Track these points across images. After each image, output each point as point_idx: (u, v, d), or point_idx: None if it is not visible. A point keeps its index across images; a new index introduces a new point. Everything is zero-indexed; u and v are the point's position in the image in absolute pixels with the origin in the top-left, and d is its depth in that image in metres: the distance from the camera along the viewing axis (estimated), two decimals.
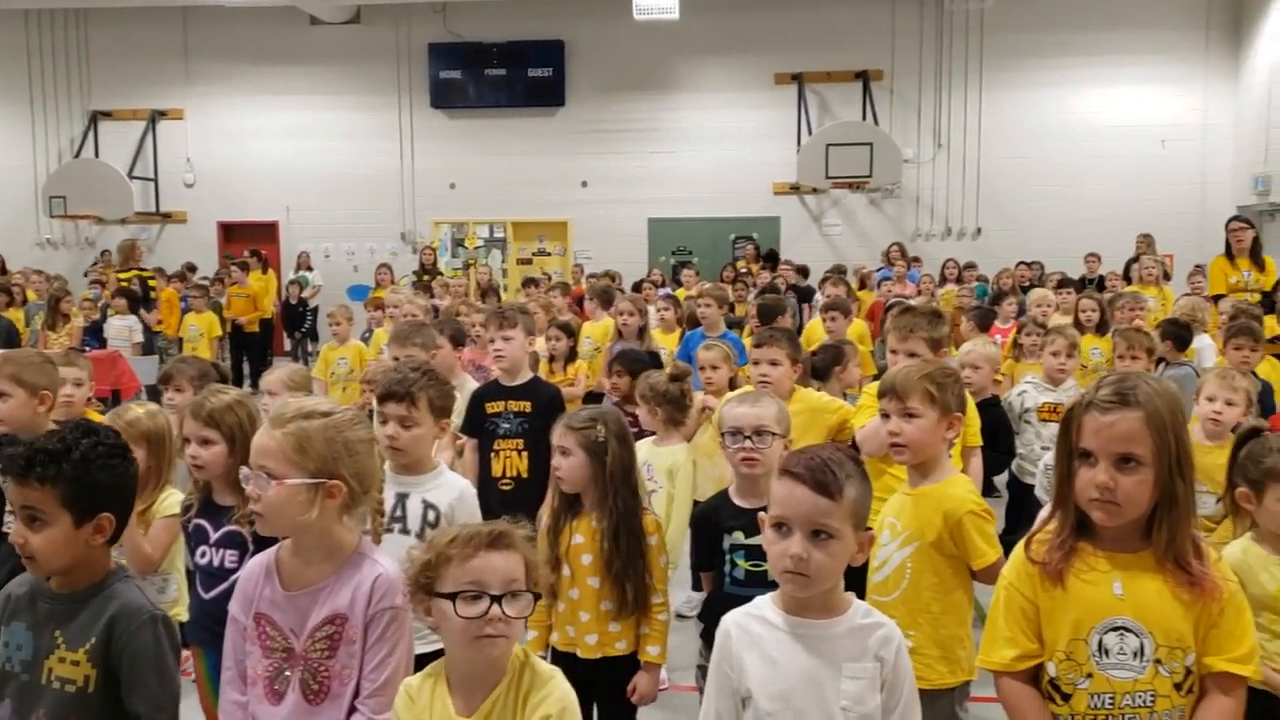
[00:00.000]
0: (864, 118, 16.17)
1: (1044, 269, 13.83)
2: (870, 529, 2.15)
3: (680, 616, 5.18)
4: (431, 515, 3.11)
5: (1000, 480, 6.53)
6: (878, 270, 14.49)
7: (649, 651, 3.16)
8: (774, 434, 3.23)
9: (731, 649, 2.14)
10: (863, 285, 13.26)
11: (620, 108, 17.27)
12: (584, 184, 17.45)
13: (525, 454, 4.38)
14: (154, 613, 2.33)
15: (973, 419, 4.39)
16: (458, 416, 4.64)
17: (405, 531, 3.09)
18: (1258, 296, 8.93)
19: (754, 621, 2.15)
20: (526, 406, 4.44)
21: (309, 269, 16.65)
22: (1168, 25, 16.13)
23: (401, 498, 3.14)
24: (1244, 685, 2.12)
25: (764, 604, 2.17)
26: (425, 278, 14.22)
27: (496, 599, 2.07)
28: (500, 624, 2.07)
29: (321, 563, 2.36)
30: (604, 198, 17.27)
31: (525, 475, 4.38)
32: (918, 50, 16.66)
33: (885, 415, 3.03)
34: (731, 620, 2.18)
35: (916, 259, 14.99)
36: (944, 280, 13.61)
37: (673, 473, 4.48)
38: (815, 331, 8.17)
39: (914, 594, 2.89)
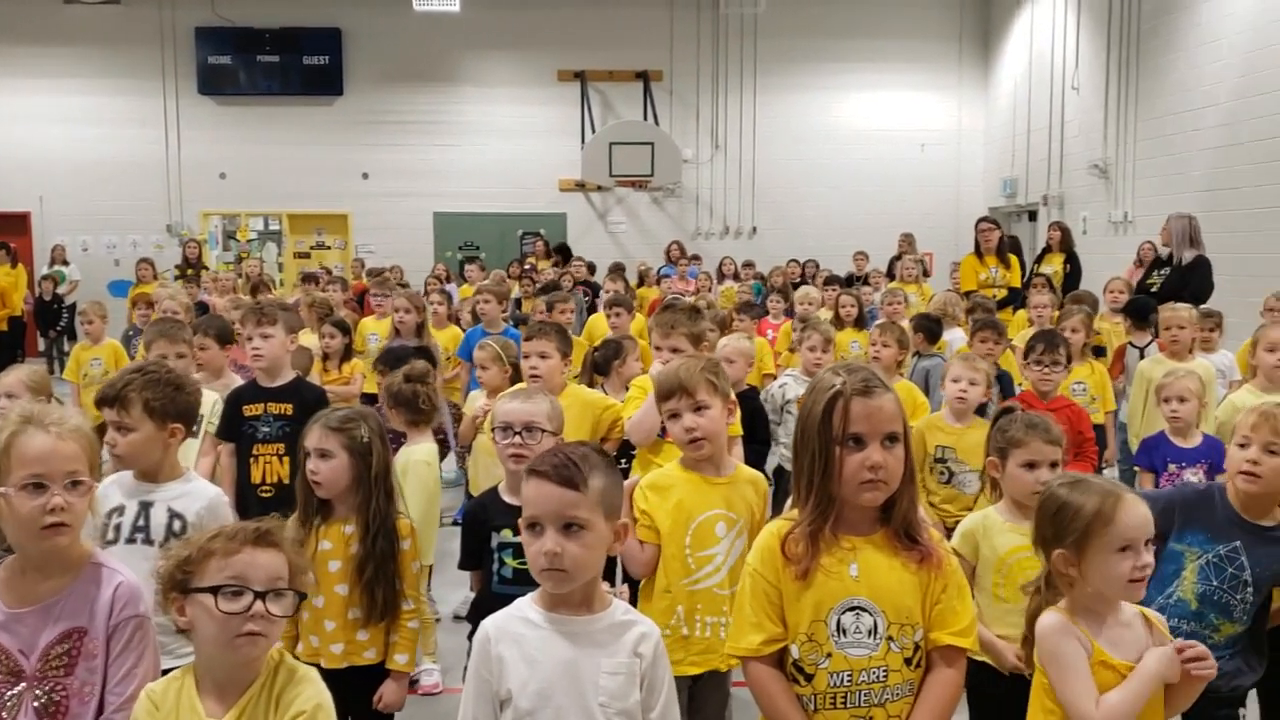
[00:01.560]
0: (645, 117, 16.43)
1: (818, 266, 14.44)
2: (625, 520, 2.17)
3: (458, 618, 5.13)
4: (177, 525, 2.94)
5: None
6: (662, 267, 14.81)
7: (397, 660, 3.09)
8: (545, 430, 3.24)
9: (490, 651, 2.12)
10: (641, 282, 13.50)
11: (402, 99, 16.93)
12: (365, 176, 17.04)
13: (287, 459, 4.20)
14: None
15: (735, 410, 4.57)
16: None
17: (149, 542, 2.91)
18: (1004, 292, 9.63)
19: (515, 621, 2.14)
20: (288, 409, 4.27)
21: (65, 263, 15.58)
22: (925, 36, 17.14)
23: (145, 506, 2.96)
24: (964, 656, 2.27)
25: (524, 604, 2.17)
26: (190, 271, 13.52)
27: (260, 595, 2.02)
28: (262, 622, 2.02)
29: (59, 575, 2.25)
30: (386, 190, 16.90)
31: (287, 481, 4.21)
32: (695, 52, 17.07)
33: (675, 415, 3.06)
34: (491, 622, 2.17)
35: (696, 256, 15.38)
36: (723, 277, 14.02)
37: (405, 471, 4.43)
38: (599, 327, 8.24)
39: None
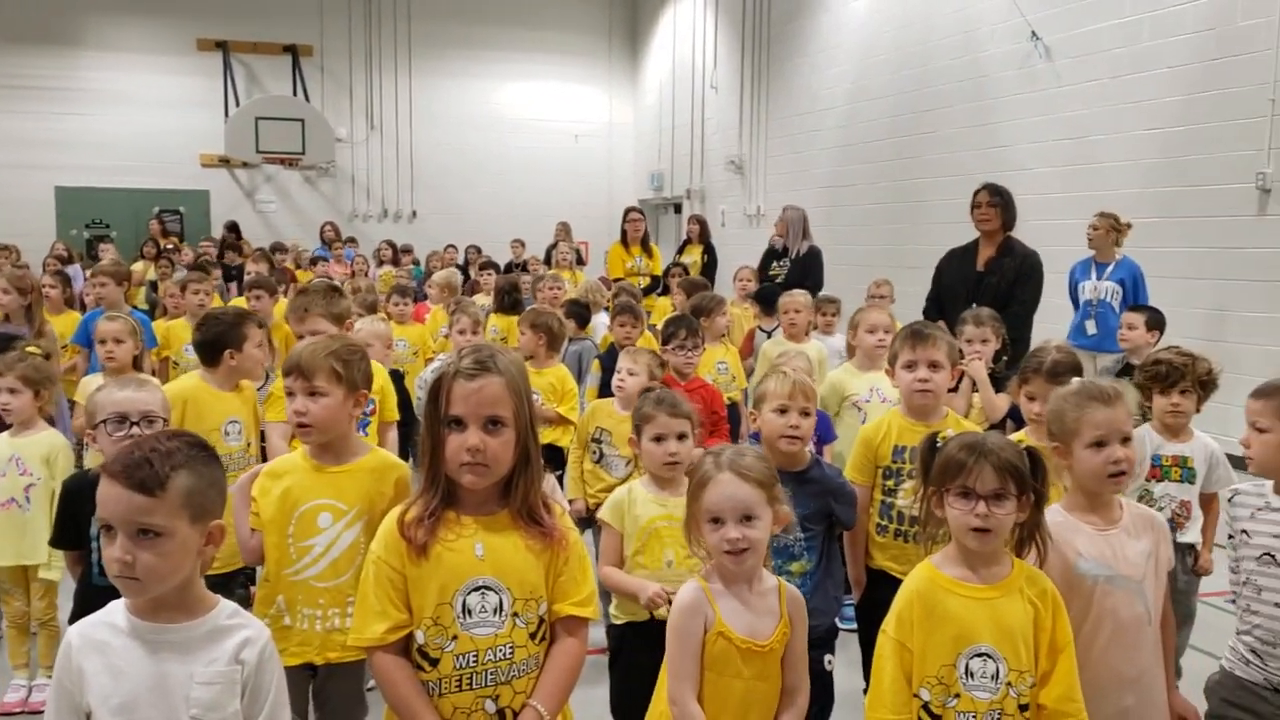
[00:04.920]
0: (295, 93, 15.85)
1: (479, 252, 14.48)
2: (220, 522, 2.04)
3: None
4: None
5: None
6: (315, 249, 14.32)
7: None
8: (163, 419, 3.15)
9: (72, 660, 1.95)
10: (298, 265, 12.99)
11: (17, 61, 15.37)
12: None
13: None
14: None
15: (390, 394, 4.50)
16: None
17: None
18: (648, 280, 10.09)
19: (101, 629, 1.97)
20: None
21: None
22: (577, 29, 17.60)
23: None
24: (586, 626, 2.34)
25: (115, 608, 2.00)
26: None
27: None
28: None
29: None
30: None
31: None
32: (347, 29, 16.61)
33: (290, 394, 2.95)
34: (76, 629, 2.00)
35: (352, 239, 14.99)
36: (381, 262, 13.74)
37: (50, 460, 4.06)
38: None
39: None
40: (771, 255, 9.43)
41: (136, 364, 5.18)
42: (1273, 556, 2.76)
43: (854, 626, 3.87)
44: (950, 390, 4.15)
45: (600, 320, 7.67)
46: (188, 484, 1.94)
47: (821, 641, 3.22)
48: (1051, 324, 6.86)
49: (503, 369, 2.24)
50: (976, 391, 4.81)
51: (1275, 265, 7.63)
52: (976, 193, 6.45)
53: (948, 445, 2.41)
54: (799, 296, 6.44)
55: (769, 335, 7.42)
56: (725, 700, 2.39)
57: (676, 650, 2.40)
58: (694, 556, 2.59)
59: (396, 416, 4.57)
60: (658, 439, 3.27)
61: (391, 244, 14.33)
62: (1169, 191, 8.34)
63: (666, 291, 9.63)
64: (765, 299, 7.79)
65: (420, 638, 2.22)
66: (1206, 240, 8.07)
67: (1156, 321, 5.71)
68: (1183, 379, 3.85)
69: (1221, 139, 7.93)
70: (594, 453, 4.55)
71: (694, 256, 10.32)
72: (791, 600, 2.49)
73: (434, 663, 2.21)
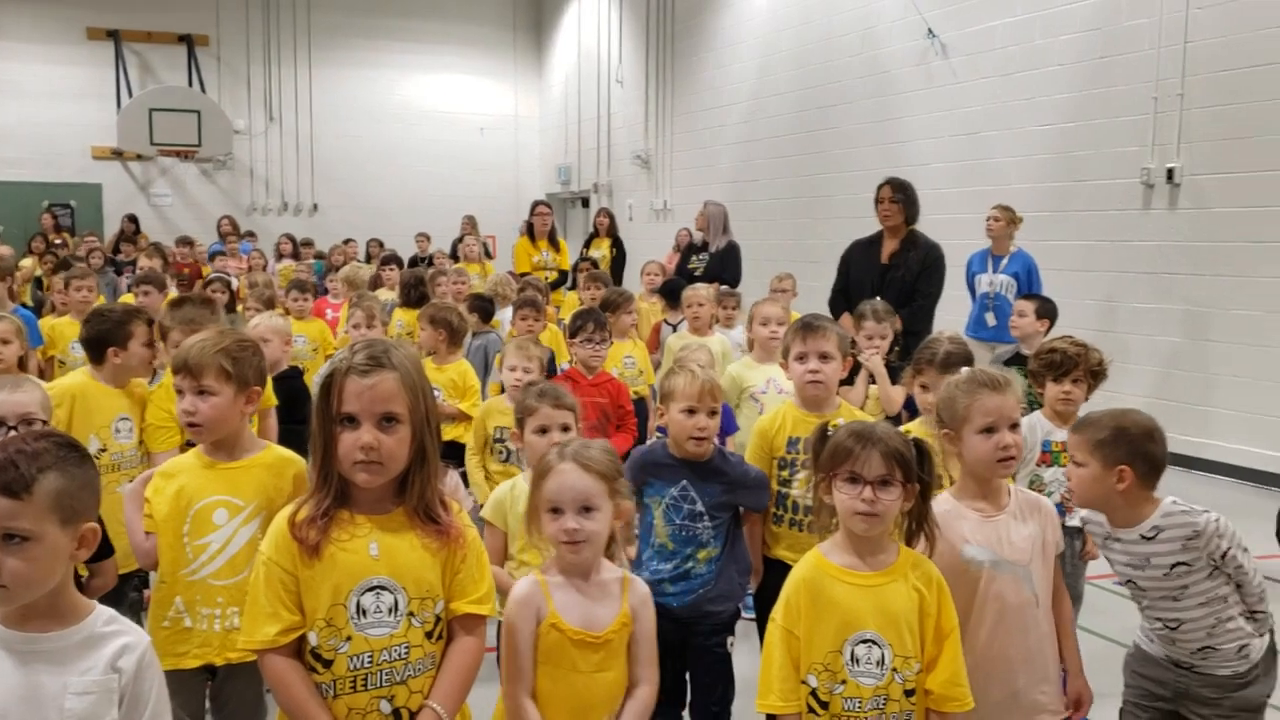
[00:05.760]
0: (190, 84, 15.45)
1: (382, 246, 14.26)
2: (93, 524, 1.97)
3: None
4: None
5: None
6: (212, 244, 13.98)
7: None
8: (42, 421, 3.02)
9: None
10: (197, 260, 12.68)
11: None
12: None
13: None
14: None
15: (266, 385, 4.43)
16: None
17: None
18: (555, 274, 10.07)
19: None
20: None
21: None
22: (481, 20, 17.46)
23: None
24: (484, 623, 2.31)
25: None
26: None
27: None
28: None
29: None
30: None
31: None
32: (244, 19, 16.26)
33: (180, 392, 2.87)
34: None
35: (251, 233, 14.66)
36: (280, 256, 13.46)
37: None
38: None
39: None
40: (691, 249, 9.51)
41: (22, 364, 5.02)
42: (1134, 582, 2.86)
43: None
44: (846, 383, 4.22)
45: (508, 315, 7.64)
46: (57, 486, 1.86)
47: (724, 626, 3.27)
48: (949, 315, 7.02)
49: (397, 364, 2.19)
50: (873, 384, 4.90)
51: (1159, 258, 7.91)
52: (880, 188, 6.56)
53: (837, 433, 2.46)
54: (701, 290, 6.49)
55: (674, 329, 7.46)
56: (565, 694, 2.38)
57: (509, 645, 2.39)
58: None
59: (274, 402, 4.50)
60: (541, 431, 3.26)
61: (291, 238, 14.02)
62: (1060, 186, 8.59)
63: (575, 286, 9.62)
64: (670, 293, 7.84)
65: (313, 639, 2.17)
66: (1096, 234, 8.34)
67: (1046, 310, 5.88)
68: (1075, 368, 3.97)
69: (1109, 135, 8.19)
70: (499, 453, 4.51)
71: (602, 250, 10.35)
72: (634, 592, 2.48)
73: (327, 664, 2.17)
